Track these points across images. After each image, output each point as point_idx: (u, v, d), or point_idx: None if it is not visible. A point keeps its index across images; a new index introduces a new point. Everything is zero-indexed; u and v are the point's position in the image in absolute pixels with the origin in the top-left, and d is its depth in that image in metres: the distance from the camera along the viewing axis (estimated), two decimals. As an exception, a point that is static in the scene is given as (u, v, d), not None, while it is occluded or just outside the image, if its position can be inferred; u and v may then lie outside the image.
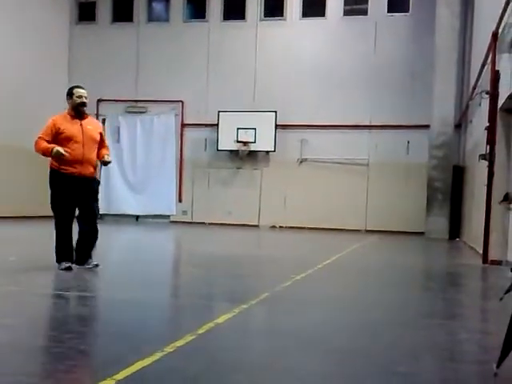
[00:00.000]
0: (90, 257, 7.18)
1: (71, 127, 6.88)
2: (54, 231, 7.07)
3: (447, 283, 8.18)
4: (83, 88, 7.06)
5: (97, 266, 7.16)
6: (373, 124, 20.40)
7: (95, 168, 7.17)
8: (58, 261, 7.05)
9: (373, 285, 7.40)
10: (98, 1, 22.94)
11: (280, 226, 21.00)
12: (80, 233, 7.15)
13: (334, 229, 20.07)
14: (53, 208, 7.00)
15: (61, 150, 6.71)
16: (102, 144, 7.27)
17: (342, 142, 20.57)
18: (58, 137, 6.83)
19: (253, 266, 9.22)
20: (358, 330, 4.54)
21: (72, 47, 22.90)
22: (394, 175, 20.17)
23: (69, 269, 6.92)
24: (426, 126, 18.90)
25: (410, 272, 9.09)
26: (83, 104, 6.95)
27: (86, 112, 7.13)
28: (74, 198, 6.93)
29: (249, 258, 10.29)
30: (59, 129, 6.83)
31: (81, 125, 6.95)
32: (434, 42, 18.50)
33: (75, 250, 7.12)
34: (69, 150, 6.77)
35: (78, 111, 6.95)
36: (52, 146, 6.76)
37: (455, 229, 18.30)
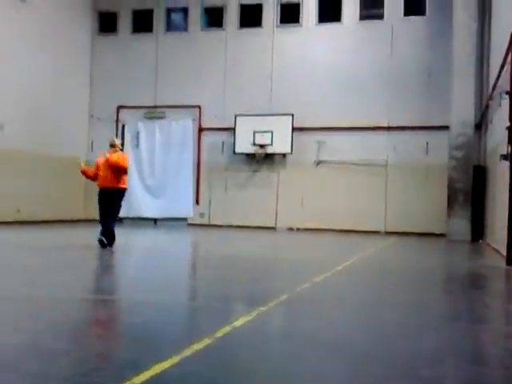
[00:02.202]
0: (109, 245, 10.64)
1: (101, 159, 11.02)
2: None
3: (471, 285, 8.05)
4: (116, 138, 11.64)
5: (109, 248, 10.59)
6: (391, 125, 20.27)
7: (117, 182, 10.81)
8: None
9: (394, 287, 7.30)
10: (119, 12, 23.26)
11: (297, 228, 20.93)
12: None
13: (352, 230, 19.96)
14: None
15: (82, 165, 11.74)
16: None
17: (359, 143, 20.46)
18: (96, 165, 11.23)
19: (271, 268, 9.17)
20: (381, 332, 4.47)
21: (94, 57, 23.33)
22: (413, 176, 20.01)
23: (100, 241, 10.59)
24: (445, 127, 18.73)
25: (432, 274, 8.97)
26: (111, 145, 11.06)
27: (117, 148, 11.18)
28: (102, 202, 10.96)
29: (267, 260, 10.25)
30: (96, 162, 11.17)
31: (106, 157, 10.87)
32: (451, 43, 18.34)
33: None
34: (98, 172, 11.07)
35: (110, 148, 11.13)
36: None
37: (477, 230, 18.02)
